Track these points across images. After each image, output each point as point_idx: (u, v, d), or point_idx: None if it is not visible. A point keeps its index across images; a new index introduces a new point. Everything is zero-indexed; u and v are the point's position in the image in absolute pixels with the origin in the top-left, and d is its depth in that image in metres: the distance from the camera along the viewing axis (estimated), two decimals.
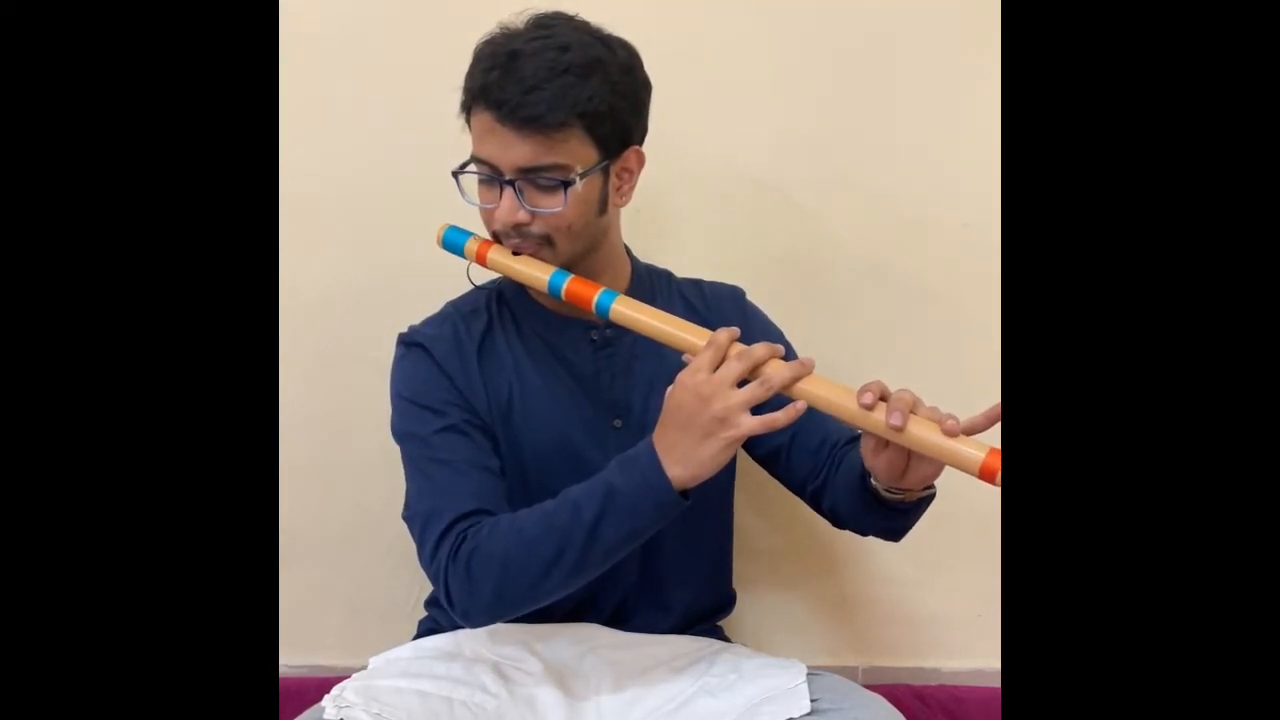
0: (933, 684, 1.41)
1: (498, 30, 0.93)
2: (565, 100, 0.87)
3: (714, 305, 1.09)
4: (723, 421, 0.82)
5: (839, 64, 1.27)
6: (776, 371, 0.83)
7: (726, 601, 1.13)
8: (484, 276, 1.02)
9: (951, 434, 0.79)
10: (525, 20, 0.92)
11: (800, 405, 0.82)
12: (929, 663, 1.43)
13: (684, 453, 0.83)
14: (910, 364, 1.34)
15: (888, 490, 0.91)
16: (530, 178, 0.90)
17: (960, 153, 1.27)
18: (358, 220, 1.29)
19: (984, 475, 0.78)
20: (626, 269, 1.05)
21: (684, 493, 0.85)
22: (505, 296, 1.04)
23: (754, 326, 1.08)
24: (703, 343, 0.86)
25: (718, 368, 0.83)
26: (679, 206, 1.28)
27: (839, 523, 1.02)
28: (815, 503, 1.04)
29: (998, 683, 1.37)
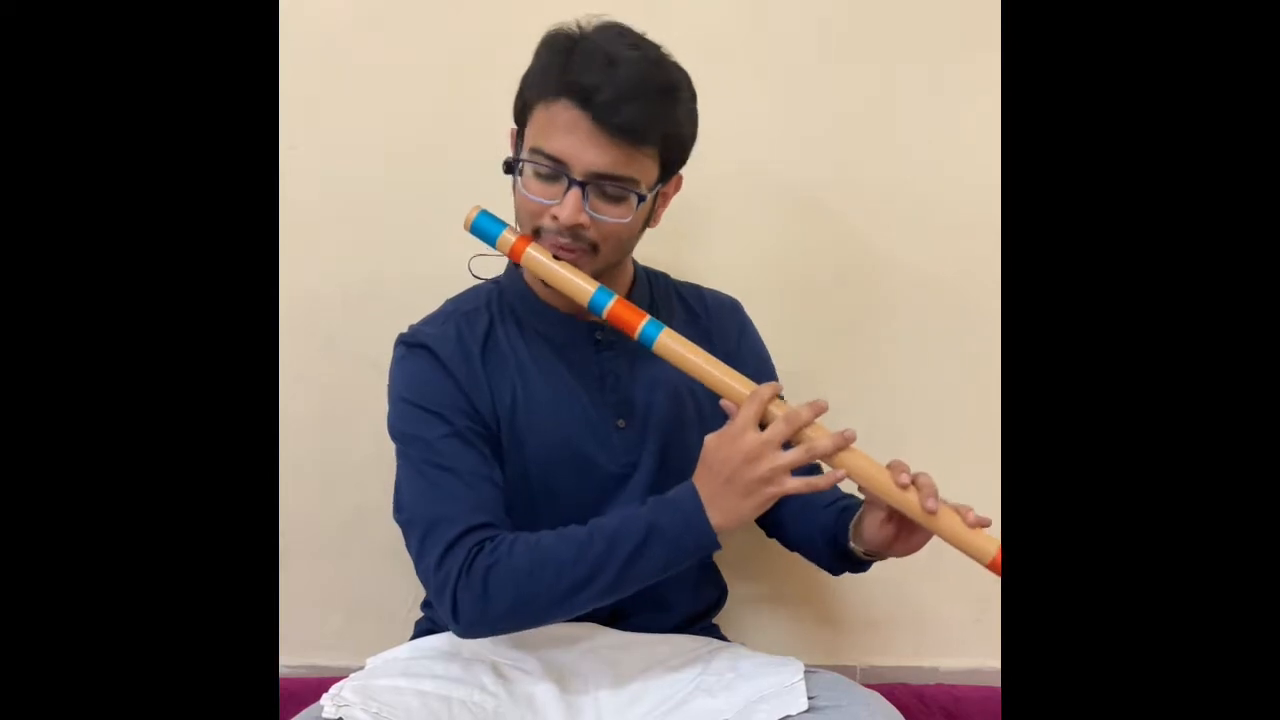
0: (931, 683, 1.41)
1: (575, 28, 0.91)
2: (660, 119, 0.89)
3: (714, 314, 1.10)
4: (767, 481, 0.86)
5: (839, 64, 1.27)
6: (820, 440, 0.86)
7: (719, 597, 1.13)
8: (486, 272, 1.01)
9: (972, 526, 0.86)
10: (596, 26, 0.91)
11: (839, 474, 0.87)
12: (927, 662, 1.43)
13: (727, 504, 0.87)
14: (911, 365, 1.34)
15: (865, 554, 0.96)
16: (599, 183, 0.90)
17: (961, 153, 1.27)
18: (355, 220, 1.29)
19: (991, 567, 0.86)
20: (630, 272, 1.05)
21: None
22: (506, 295, 1.04)
23: (745, 341, 1.10)
24: (744, 390, 0.89)
25: (761, 422, 0.87)
26: (679, 206, 1.28)
27: (786, 545, 1.09)
28: (761, 522, 1.09)
29: (996, 682, 1.37)
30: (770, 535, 1.09)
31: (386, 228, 1.28)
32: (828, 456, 0.86)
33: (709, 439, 0.88)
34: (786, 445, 0.86)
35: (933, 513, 0.86)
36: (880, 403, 1.35)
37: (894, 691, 1.33)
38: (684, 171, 0.98)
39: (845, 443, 0.87)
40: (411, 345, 1.00)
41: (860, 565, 1.00)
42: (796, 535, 1.06)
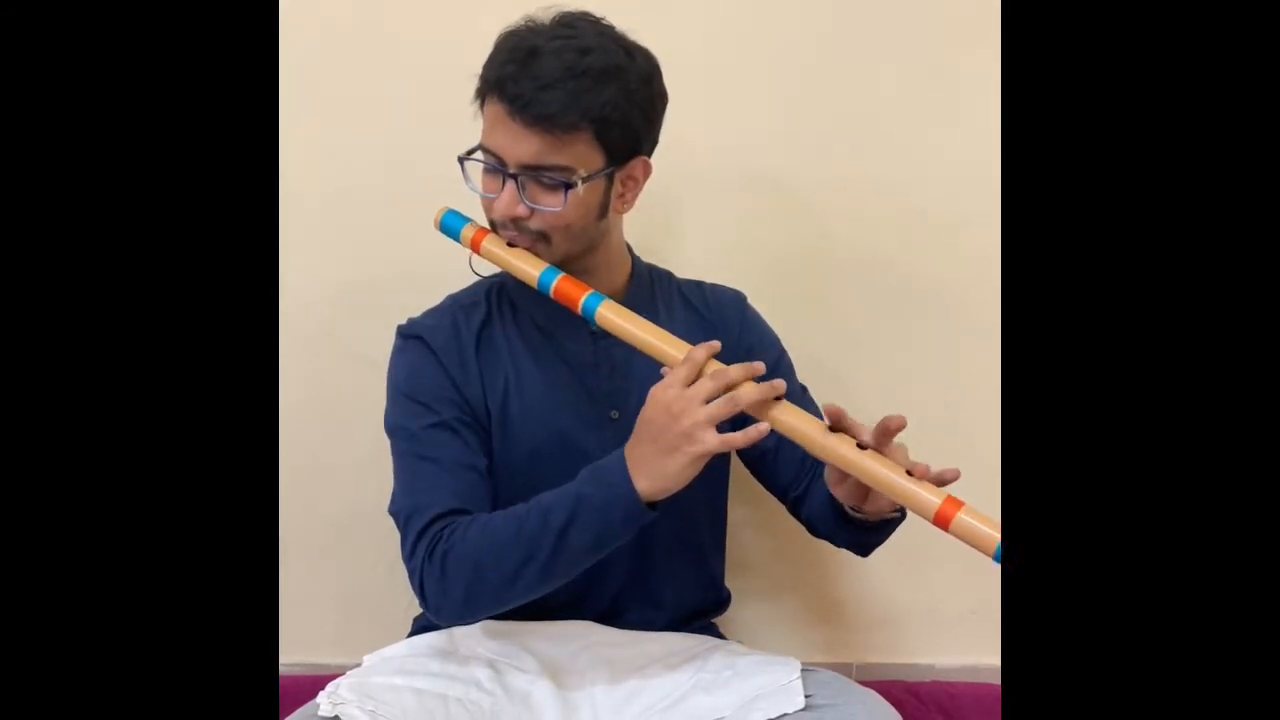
0: (926, 680, 1.41)
1: (522, 24, 0.93)
2: (578, 103, 0.88)
3: (714, 308, 1.09)
4: (688, 437, 0.83)
5: (838, 62, 1.27)
6: (745, 391, 0.84)
7: (720, 600, 1.13)
8: (487, 268, 1.02)
9: (916, 476, 0.82)
10: (551, 16, 0.92)
11: (763, 427, 0.84)
12: (923, 659, 1.43)
13: (652, 466, 0.85)
14: (910, 363, 1.34)
15: (852, 509, 0.93)
16: (533, 174, 0.91)
17: (959, 152, 1.27)
18: (354, 217, 1.29)
19: (937, 522, 0.80)
20: (625, 268, 1.05)
21: (652, 504, 0.86)
22: (506, 288, 1.04)
23: (750, 332, 1.09)
24: (681, 356, 0.87)
25: (692, 384, 0.84)
26: (678, 205, 1.28)
27: (814, 532, 1.04)
28: (795, 510, 1.06)
29: (992, 679, 1.37)
30: (813, 533, 1.04)
31: (386, 226, 1.28)
32: (753, 407, 0.84)
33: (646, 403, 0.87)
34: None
35: (865, 447, 0.82)
36: (879, 397, 1.34)
37: (890, 689, 1.33)
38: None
39: (771, 393, 0.84)
40: (408, 336, 1.02)
41: (867, 529, 0.95)
42: (823, 523, 1.00)
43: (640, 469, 0.85)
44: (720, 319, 1.08)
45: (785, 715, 0.88)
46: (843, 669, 1.14)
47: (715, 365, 0.86)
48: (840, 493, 0.90)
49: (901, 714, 0.91)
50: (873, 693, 0.92)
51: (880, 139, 1.29)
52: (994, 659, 1.35)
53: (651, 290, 1.06)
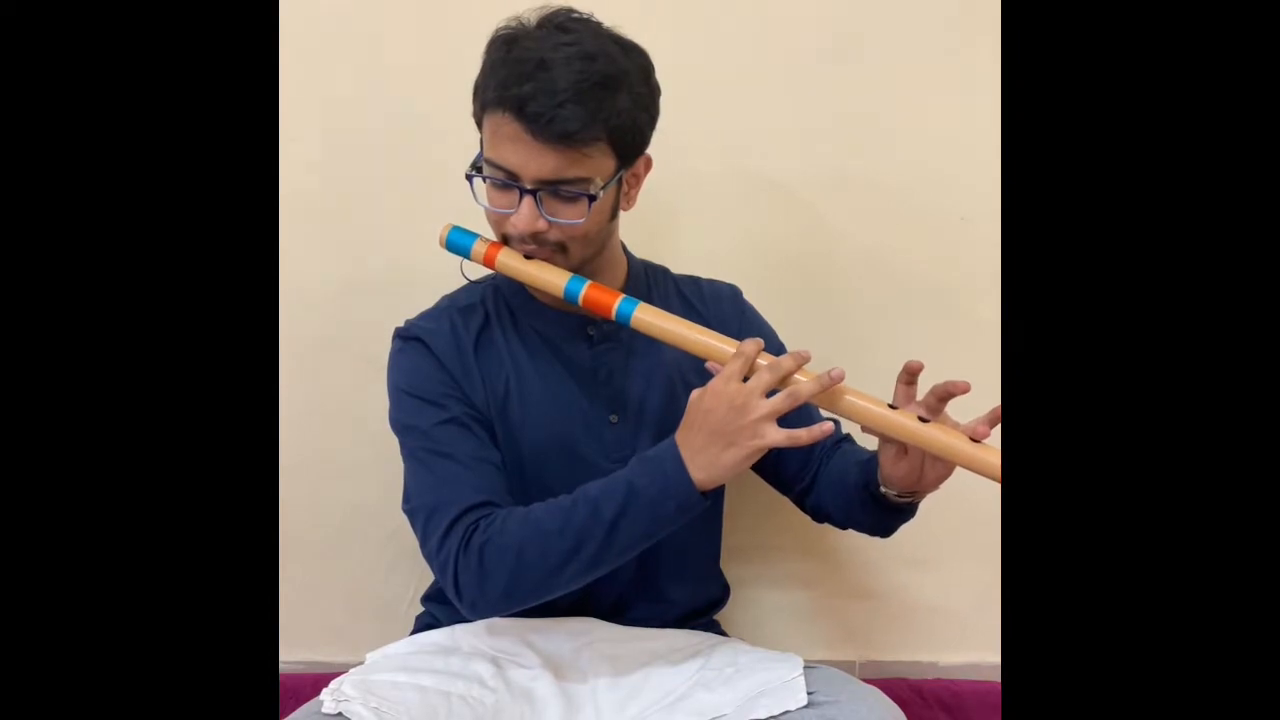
0: (929, 678, 1.41)
1: (514, 28, 0.91)
2: (598, 116, 0.87)
3: (711, 303, 1.09)
4: (751, 431, 0.84)
5: (836, 57, 1.27)
6: (804, 384, 0.85)
7: (721, 595, 1.13)
8: (478, 273, 1.01)
9: (977, 439, 0.84)
10: (539, 18, 0.91)
11: (827, 427, 0.85)
12: (925, 656, 1.43)
13: (709, 457, 0.85)
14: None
15: (898, 495, 0.93)
16: (552, 188, 0.90)
17: (959, 146, 1.27)
18: (353, 216, 1.29)
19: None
20: (623, 266, 1.05)
21: (703, 494, 0.87)
22: (502, 292, 1.04)
23: (749, 325, 1.09)
24: (729, 349, 0.88)
25: (747, 377, 0.85)
26: (675, 201, 1.28)
27: (826, 519, 1.05)
28: (801, 501, 1.07)
29: (995, 676, 1.37)
30: (821, 520, 1.06)
31: (383, 224, 1.28)
32: (813, 398, 0.85)
33: (693, 394, 0.87)
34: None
35: (926, 420, 0.84)
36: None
37: (893, 686, 1.33)
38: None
39: (831, 383, 0.85)
40: (407, 338, 1.02)
41: (903, 511, 0.96)
42: (840, 510, 1.02)
43: (695, 459, 0.85)
44: (718, 314, 1.08)
45: (787, 712, 0.88)
46: (845, 666, 1.14)
47: (768, 357, 0.87)
48: (898, 472, 0.90)
49: (905, 711, 0.91)
50: (875, 690, 0.92)
51: (879, 136, 1.29)
52: (997, 657, 1.35)
53: (648, 286, 1.06)
